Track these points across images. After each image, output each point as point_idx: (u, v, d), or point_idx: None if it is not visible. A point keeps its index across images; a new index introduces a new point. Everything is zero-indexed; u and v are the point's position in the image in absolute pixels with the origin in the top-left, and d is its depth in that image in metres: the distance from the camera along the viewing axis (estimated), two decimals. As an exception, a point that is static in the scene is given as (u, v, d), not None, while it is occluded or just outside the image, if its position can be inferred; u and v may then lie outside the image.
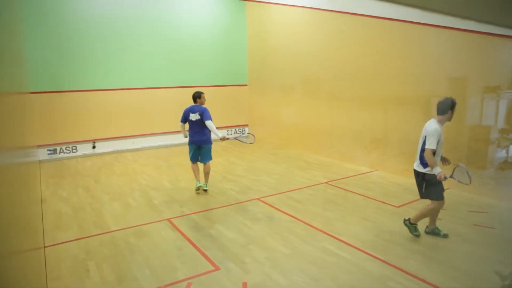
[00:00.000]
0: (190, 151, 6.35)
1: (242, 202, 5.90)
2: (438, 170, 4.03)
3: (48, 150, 9.28)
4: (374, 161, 7.85)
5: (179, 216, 5.34)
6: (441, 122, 4.21)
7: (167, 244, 4.47)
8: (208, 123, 6.02)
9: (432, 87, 6.57)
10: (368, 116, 7.88)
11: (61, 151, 9.45)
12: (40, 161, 9.09)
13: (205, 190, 6.38)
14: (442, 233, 4.46)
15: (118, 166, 8.62)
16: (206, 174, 6.38)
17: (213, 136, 6.23)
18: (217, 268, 3.85)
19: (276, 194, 6.28)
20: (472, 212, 5.33)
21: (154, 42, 10.35)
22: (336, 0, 8.31)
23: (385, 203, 5.72)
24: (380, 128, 7.70)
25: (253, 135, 6.61)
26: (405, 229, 4.64)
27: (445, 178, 4.00)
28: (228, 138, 6.26)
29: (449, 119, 4.23)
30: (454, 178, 4.09)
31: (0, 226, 1.46)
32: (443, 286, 3.47)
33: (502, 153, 5.84)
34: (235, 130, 12.23)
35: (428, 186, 4.24)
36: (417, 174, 4.33)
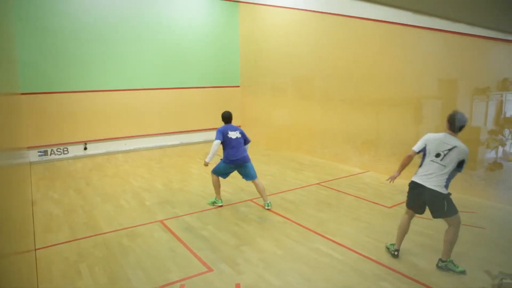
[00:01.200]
0: (226, 169, 5.70)
1: (235, 203, 5.91)
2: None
3: (38, 152, 9.17)
4: (366, 162, 7.91)
5: (172, 218, 5.32)
6: None
7: (160, 245, 4.45)
8: (249, 145, 5.88)
9: (423, 89, 6.66)
10: (360, 117, 7.95)
11: (52, 152, 9.35)
12: (30, 163, 8.98)
13: (269, 209, 5.66)
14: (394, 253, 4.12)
15: (110, 167, 8.55)
16: (264, 190, 5.74)
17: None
18: (210, 270, 3.85)
19: (269, 195, 6.28)
20: (462, 212, 5.38)
21: (146, 43, 10.31)
22: (329, 2, 8.37)
23: (377, 203, 5.76)
24: (372, 129, 7.76)
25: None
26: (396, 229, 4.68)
27: None
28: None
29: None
30: None
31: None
32: (435, 286, 3.51)
33: (491, 154, 5.93)
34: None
35: (449, 202, 3.82)
36: (437, 195, 3.76)
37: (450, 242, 3.79)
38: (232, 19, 11.80)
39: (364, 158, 7.97)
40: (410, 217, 4.08)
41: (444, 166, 3.73)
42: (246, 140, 5.81)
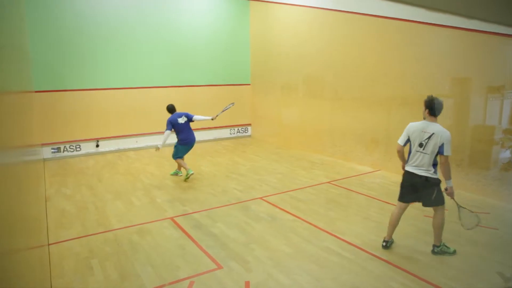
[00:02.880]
0: (182, 151, 7.08)
1: (245, 201, 5.92)
2: (451, 182, 3.89)
3: (52, 149, 9.32)
4: (377, 161, 7.83)
5: (182, 215, 5.36)
6: None
7: (170, 242, 4.49)
8: (196, 117, 7.13)
9: (435, 87, 6.55)
10: (371, 116, 7.87)
11: (65, 149, 9.49)
12: (44, 160, 9.14)
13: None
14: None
15: (121, 164, 8.65)
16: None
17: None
18: (219, 267, 3.86)
19: (279, 193, 6.29)
20: (474, 213, 5.30)
21: (158, 41, 10.37)
22: (340, -1, 8.30)
23: (388, 203, 5.70)
24: (382, 128, 7.68)
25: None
26: (407, 230, 4.63)
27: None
28: (217, 115, 7.42)
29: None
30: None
31: (6, 224, 1.47)
32: (445, 287, 3.46)
33: (506, 154, 5.82)
34: (238, 129, 12.24)
35: (439, 190, 3.97)
36: (428, 180, 3.94)
37: (440, 227, 4.02)
38: (243, 17, 11.79)
39: (374, 157, 7.90)
40: (402, 211, 4.22)
41: (427, 154, 3.90)
42: (191, 118, 7.06)
